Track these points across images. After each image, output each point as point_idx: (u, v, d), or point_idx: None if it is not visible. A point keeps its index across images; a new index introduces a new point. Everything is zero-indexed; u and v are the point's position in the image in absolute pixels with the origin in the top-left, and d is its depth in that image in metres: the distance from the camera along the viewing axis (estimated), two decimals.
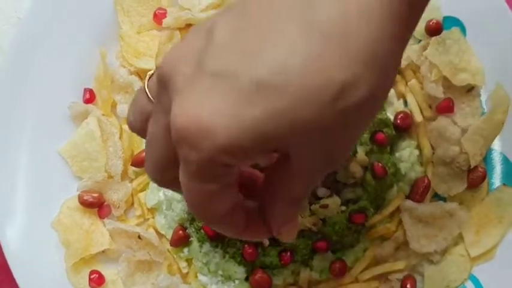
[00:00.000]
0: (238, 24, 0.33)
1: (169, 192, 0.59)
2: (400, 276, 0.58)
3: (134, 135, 0.60)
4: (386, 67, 0.33)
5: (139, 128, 0.40)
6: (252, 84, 0.31)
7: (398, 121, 0.59)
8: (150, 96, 0.38)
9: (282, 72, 0.31)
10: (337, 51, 0.31)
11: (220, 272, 0.58)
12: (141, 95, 0.39)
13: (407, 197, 0.59)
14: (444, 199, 0.59)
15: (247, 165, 0.41)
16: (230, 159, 0.33)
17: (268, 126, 0.31)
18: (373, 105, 0.34)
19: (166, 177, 0.38)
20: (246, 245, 0.56)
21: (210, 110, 0.32)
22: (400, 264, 0.58)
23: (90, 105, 0.61)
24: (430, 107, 0.60)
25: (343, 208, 0.57)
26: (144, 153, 0.59)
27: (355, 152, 0.57)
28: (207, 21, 0.35)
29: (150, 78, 0.39)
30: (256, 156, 0.34)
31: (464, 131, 0.59)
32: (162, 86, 0.35)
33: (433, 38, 0.59)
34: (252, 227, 0.39)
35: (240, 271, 0.58)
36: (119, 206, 0.60)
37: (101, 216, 0.60)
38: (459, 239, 0.58)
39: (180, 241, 0.59)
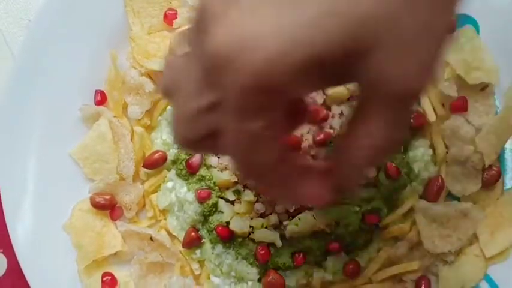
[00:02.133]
0: None
1: (181, 194, 0.59)
2: (414, 277, 0.57)
3: (145, 136, 0.60)
4: None
5: (170, 91, 0.35)
6: None
7: (412, 120, 0.58)
8: (183, 50, 0.34)
9: None
10: None
11: (232, 274, 0.58)
12: (174, 55, 0.35)
13: (421, 197, 0.58)
14: (458, 199, 0.58)
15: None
16: (280, 80, 0.28)
17: (320, 39, 0.27)
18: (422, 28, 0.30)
19: (197, 131, 0.33)
20: (259, 246, 0.56)
21: (254, 20, 0.28)
22: (414, 265, 0.57)
23: (101, 107, 0.61)
24: (443, 105, 0.59)
25: (356, 209, 0.57)
26: (156, 155, 0.59)
27: None
28: None
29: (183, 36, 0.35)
30: (312, 82, 0.29)
31: (478, 129, 0.58)
32: (199, 24, 0.31)
33: None
34: (309, 186, 0.35)
35: (252, 272, 0.57)
36: (130, 208, 0.60)
37: (113, 218, 0.60)
38: (474, 239, 0.58)
39: (193, 243, 0.58)
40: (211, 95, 0.31)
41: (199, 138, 0.34)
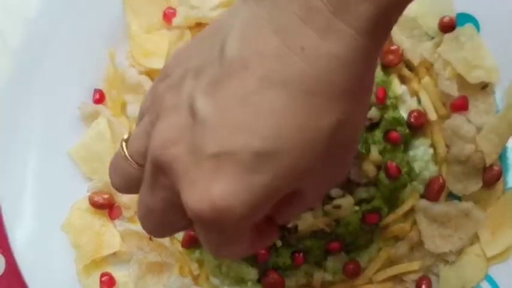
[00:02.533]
0: (219, 96, 0.34)
1: None
2: (415, 277, 0.57)
3: None
4: (360, 97, 0.36)
5: (126, 190, 0.43)
6: (252, 156, 0.33)
7: (412, 119, 0.58)
8: (133, 165, 0.40)
9: (275, 137, 0.33)
10: (318, 103, 0.34)
11: (232, 274, 0.57)
12: (123, 162, 0.40)
13: (422, 197, 0.58)
14: (459, 198, 0.58)
15: None
16: (248, 221, 0.35)
17: (277, 185, 0.34)
18: (355, 127, 0.37)
19: (169, 232, 0.42)
20: None
21: (222, 192, 0.33)
22: (415, 265, 0.57)
23: (100, 106, 0.61)
24: (444, 104, 0.59)
25: (357, 208, 0.56)
26: None
27: (368, 151, 0.56)
28: (175, 88, 0.37)
29: (126, 143, 0.40)
30: (266, 210, 0.36)
31: (479, 129, 0.58)
32: (159, 169, 0.36)
33: (447, 35, 0.58)
34: (260, 238, 0.41)
35: (252, 272, 0.57)
36: (129, 207, 0.60)
37: (112, 217, 0.60)
38: (475, 238, 0.57)
39: (192, 242, 0.58)
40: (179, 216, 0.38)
41: (171, 233, 0.43)
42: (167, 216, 0.39)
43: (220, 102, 0.34)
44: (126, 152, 0.40)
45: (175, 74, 0.38)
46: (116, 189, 0.43)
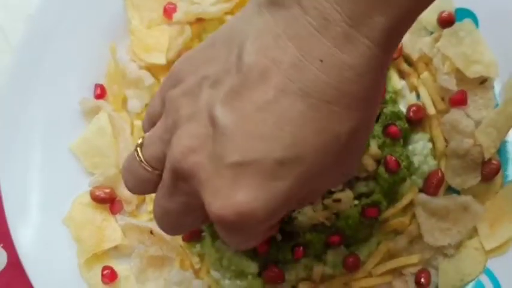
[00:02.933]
0: (238, 105, 0.35)
1: None
2: (414, 270, 0.57)
3: None
4: (373, 104, 0.37)
5: (139, 192, 0.44)
6: (274, 164, 0.34)
7: (411, 114, 0.58)
8: (149, 168, 0.41)
9: (296, 144, 0.35)
10: (336, 111, 0.35)
11: (232, 267, 0.58)
12: (138, 166, 0.41)
13: (421, 191, 0.58)
14: (458, 192, 0.58)
15: None
16: (268, 223, 0.37)
17: (297, 189, 0.36)
18: (367, 131, 0.39)
19: (185, 231, 0.46)
20: None
21: (245, 199, 0.35)
22: (414, 258, 0.57)
23: (101, 101, 0.61)
24: (442, 99, 0.59)
25: (356, 202, 0.57)
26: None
27: (368, 145, 0.56)
28: (191, 93, 0.38)
29: (140, 148, 0.41)
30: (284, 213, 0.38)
31: (477, 123, 0.58)
32: (179, 175, 0.37)
33: (446, 30, 0.58)
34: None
35: (252, 266, 0.57)
36: (130, 202, 0.60)
37: (113, 211, 0.60)
38: (473, 232, 0.58)
39: (193, 236, 0.58)
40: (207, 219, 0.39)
41: (186, 230, 0.46)
42: (185, 218, 0.41)
43: (239, 111, 0.35)
44: (142, 157, 0.41)
45: (190, 81, 0.39)
46: (129, 190, 0.44)
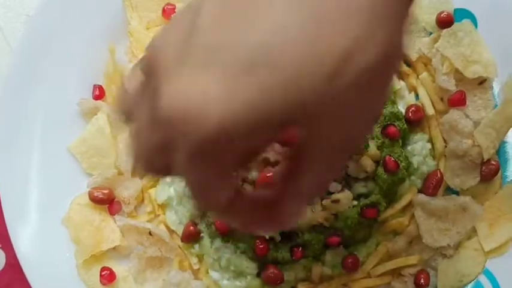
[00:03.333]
0: (226, 2, 0.30)
1: (180, 188, 0.59)
2: (413, 271, 0.57)
3: None
4: (392, 24, 0.29)
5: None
6: (244, 60, 0.28)
7: (410, 114, 0.58)
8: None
9: (275, 42, 0.28)
10: (336, 14, 0.28)
11: (231, 268, 0.58)
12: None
13: (420, 191, 0.58)
14: (457, 193, 0.58)
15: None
16: (224, 142, 0.29)
17: (269, 101, 0.28)
18: (386, 69, 0.30)
19: (156, 166, 0.34)
20: (258, 240, 0.56)
21: (200, 91, 0.28)
22: (413, 259, 0.57)
23: (99, 102, 0.61)
24: (441, 99, 0.59)
25: (355, 203, 0.57)
26: None
27: (367, 146, 0.56)
28: (192, 4, 0.31)
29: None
30: (254, 140, 0.30)
31: (476, 123, 0.58)
32: (148, 73, 0.32)
33: (445, 31, 0.59)
34: (259, 219, 0.37)
35: (251, 267, 0.57)
36: (129, 202, 0.60)
37: (112, 212, 0.60)
38: (472, 232, 0.58)
39: (191, 237, 0.58)
40: (163, 139, 0.31)
41: (157, 170, 0.35)
42: (153, 139, 0.33)
43: (225, 5, 0.29)
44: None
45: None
46: (120, 117, 0.36)
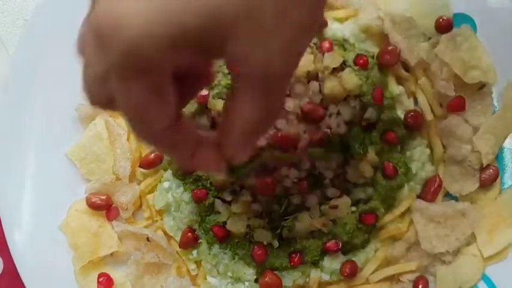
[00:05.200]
0: None
1: (178, 194, 0.58)
2: (412, 277, 0.57)
3: None
4: None
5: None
6: None
7: (409, 120, 0.58)
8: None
9: None
10: None
11: (229, 274, 0.58)
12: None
13: (419, 197, 0.58)
14: (456, 198, 0.58)
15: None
16: (147, 54, 0.31)
17: (180, 18, 0.30)
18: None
19: (98, 97, 0.36)
20: (256, 246, 0.56)
21: (123, 5, 0.31)
22: (411, 265, 0.57)
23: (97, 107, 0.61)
24: (440, 105, 0.59)
25: (354, 208, 0.57)
26: (152, 155, 0.59)
27: (365, 152, 0.56)
28: None
29: None
30: (178, 56, 0.32)
31: (475, 129, 0.58)
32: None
33: (444, 36, 0.58)
34: (203, 155, 0.38)
35: (249, 273, 0.57)
36: (127, 208, 0.60)
37: (109, 218, 0.60)
38: (471, 238, 0.57)
39: (189, 243, 0.58)
40: (102, 63, 0.33)
41: (102, 102, 0.36)
42: (94, 64, 0.34)
43: None
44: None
45: None
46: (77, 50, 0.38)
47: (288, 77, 0.36)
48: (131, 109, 0.34)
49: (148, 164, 0.60)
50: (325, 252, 0.57)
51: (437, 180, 0.58)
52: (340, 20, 0.61)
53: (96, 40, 0.32)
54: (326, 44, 0.58)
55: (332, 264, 0.57)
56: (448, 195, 0.59)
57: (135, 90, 0.33)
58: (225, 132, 0.38)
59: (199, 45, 0.32)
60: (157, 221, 0.60)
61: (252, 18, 0.32)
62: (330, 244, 0.56)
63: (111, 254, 0.59)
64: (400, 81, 0.60)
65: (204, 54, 0.33)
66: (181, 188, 0.58)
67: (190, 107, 0.58)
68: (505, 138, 0.58)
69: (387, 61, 0.58)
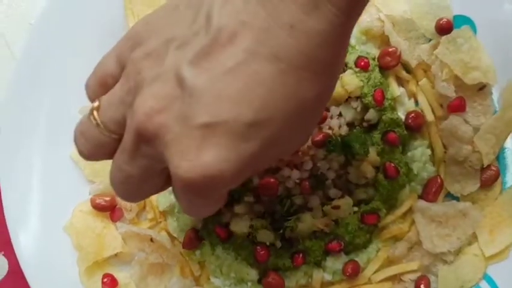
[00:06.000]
0: (207, 66, 0.35)
1: None
2: (413, 276, 0.57)
3: None
4: (336, 70, 0.39)
5: (93, 157, 0.42)
6: (243, 125, 0.34)
7: (410, 121, 0.58)
8: (106, 132, 0.40)
9: (266, 107, 0.35)
10: (305, 76, 0.35)
11: (232, 275, 0.58)
12: (94, 129, 0.40)
13: (420, 197, 0.58)
14: (457, 199, 0.59)
15: None
16: (232, 186, 0.37)
17: (264, 151, 0.36)
18: (329, 96, 0.40)
19: (143, 197, 0.44)
20: (258, 247, 0.56)
21: (213, 160, 0.34)
22: (413, 265, 0.57)
23: None
24: (441, 106, 0.60)
25: (356, 209, 0.57)
26: None
27: (367, 152, 0.56)
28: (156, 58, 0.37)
29: (97, 111, 0.40)
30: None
31: (476, 129, 0.58)
32: (142, 137, 0.36)
33: (444, 37, 0.59)
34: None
35: (252, 273, 0.57)
36: (131, 209, 0.60)
37: (113, 219, 0.60)
38: (473, 238, 0.58)
39: (193, 244, 0.59)
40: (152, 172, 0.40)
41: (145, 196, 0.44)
42: (144, 184, 0.40)
43: (209, 72, 0.35)
44: (99, 120, 0.40)
45: (153, 43, 0.38)
46: (84, 155, 0.42)
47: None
48: (188, 209, 0.41)
49: None
50: (327, 252, 0.57)
51: (439, 180, 0.58)
52: None
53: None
54: None
55: (334, 264, 0.57)
56: (449, 196, 0.59)
57: (200, 203, 0.39)
58: None
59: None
60: (161, 222, 0.61)
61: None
62: (332, 244, 0.57)
63: (115, 255, 0.59)
64: (400, 82, 0.60)
65: None
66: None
67: None
68: (506, 139, 0.58)
69: (388, 63, 0.59)
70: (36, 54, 0.62)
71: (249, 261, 0.57)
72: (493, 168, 0.58)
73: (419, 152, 0.59)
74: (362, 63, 0.58)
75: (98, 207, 0.60)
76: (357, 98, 0.58)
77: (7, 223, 0.60)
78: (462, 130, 0.58)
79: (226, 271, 0.58)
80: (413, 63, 0.60)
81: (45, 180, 0.61)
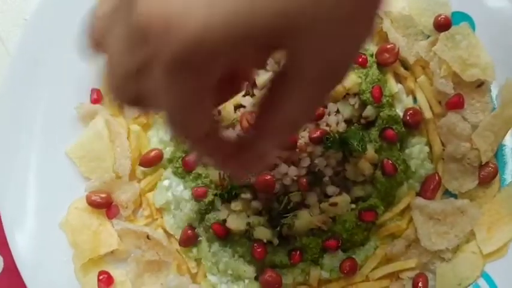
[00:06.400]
0: None
1: (178, 192, 0.59)
2: (411, 274, 0.57)
3: (142, 135, 0.60)
4: None
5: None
6: None
7: (408, 118, 0.58)
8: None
9: None
10: None
11: (229, 272, 0.58)
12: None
13: (418, 194, 0.58)
14: (455, 196, 0.58)
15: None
16: (205, 54, 0.29)
17: (247, 17, 0.28)
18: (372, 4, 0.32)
19: (128, 94, 0.34)
20: (255, 244, 0.56)
21: (179, 1, 0.28)
22: (411, 263, 0.57)
23: (97, 106, 0.61)
24: (439, 103, 0.59)
25: (353, 206, 0.57)
26: (152, 153, 0.60)
27: (365, 149, 0.56)
28: None
29: None
30: (236, 56, 0.30)
31: (474, 126, 0.58)
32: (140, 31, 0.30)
33: (442, 34, 0.58)
34: (240, 156, 0.36)
35: (249, 270, 0.57)
36: (127, 206, 0.60)
37: (109, 216, 0.60)
38: (471, 236, 0.58)
39: (189, 241, 0.58)
40: (139, 58, 0.31)
41: (131, 100, 0.34)
42: (128, 60, 0.32)
43: None
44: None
45: None
46: (92, 44, 0.37)
47: (338, 84, 0.35)
48: (173, 108, 0.32)
49: (148, 162, 0.60)
50: (325, 249, 0.57)
51: (437, 177, 0.58)
52: None
53: (143, 35, 0.29)
54: None
55: (332, 261, 0.57)
56: (447, 193, 0.59)
57: (182, 89, 0.30)
58: (262, 129, 0.35)
59: (261, 43, 0.29)
60: (157, 219, 0.60)
61: (327, 21, 0.30)
62: (330, 241, 0.56)
63: (111, 252, 0.59)
64: (399, 79, 0.60)
65: (262, 51, 0.31)
66: (181, 186, 0.59)
67: None
68: (504, 136, 0.58)
69: (386, 59, 0.59)
70: (31, 50, 0.61)
71: (246, 259, 0.57)
72: (491, 165, 0.58)
73: (417, 149, 0.59)
74: (360, 60, 0.58)
75: (94, 204, 0.59)
76: (355, 94, 0.58)
77: (2, 220, 0.59)
78: (460, 127, 0.58)
79: (223, 268, 0.58)
80: (411, 59, 0.59)
81: (41, 177, 0.60)
